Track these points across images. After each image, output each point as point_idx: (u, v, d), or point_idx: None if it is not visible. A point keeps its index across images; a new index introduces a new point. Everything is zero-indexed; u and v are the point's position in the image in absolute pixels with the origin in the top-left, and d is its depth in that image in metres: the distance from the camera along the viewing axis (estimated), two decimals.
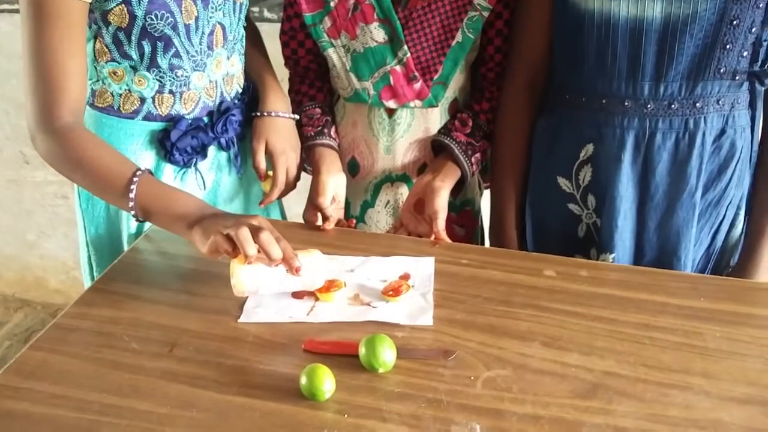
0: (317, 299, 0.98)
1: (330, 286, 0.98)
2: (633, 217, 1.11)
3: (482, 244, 1.41)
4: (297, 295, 1.00)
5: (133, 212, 0.98)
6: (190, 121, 1.13)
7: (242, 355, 0.89)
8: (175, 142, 1.11)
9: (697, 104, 1.04)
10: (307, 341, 0.90)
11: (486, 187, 1.40)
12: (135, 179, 0.97)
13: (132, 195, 0.97)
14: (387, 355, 0.84)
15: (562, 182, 1.15)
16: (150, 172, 1.01)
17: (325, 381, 0.81)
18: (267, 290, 0.94)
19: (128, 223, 1.17)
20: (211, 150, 1.19)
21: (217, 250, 0.91)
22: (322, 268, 0.96)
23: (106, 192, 1.01)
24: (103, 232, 1.19)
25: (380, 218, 1.31)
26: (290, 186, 1.22)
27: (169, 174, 1.15)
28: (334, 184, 1.20)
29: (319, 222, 1.19)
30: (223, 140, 1.17)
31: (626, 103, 1.06)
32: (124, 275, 1.06)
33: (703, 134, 1.05)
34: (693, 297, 0.98)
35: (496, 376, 0.85)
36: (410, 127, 1.24)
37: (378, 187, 1.29)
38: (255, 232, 0.89)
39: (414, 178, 1.27)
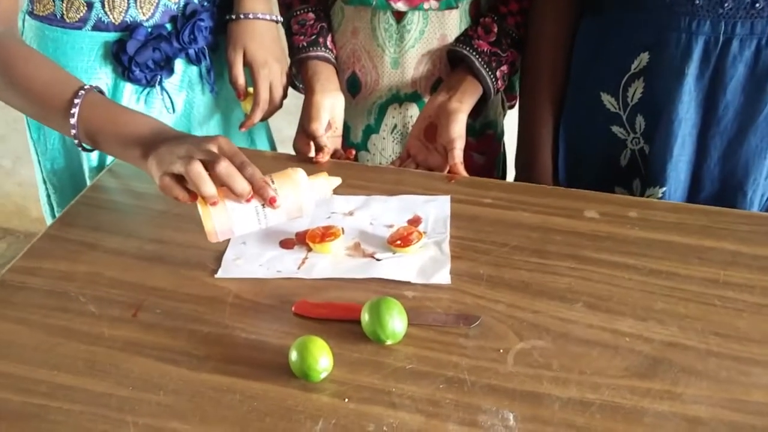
0: (310, 249, 0.81)
1: (325, 234, 0.81)
2: (693, 144, 0.92)
3: (504, 173, 1.23)
4: (286, 244, 0.83)
5: (77, 140, 0.80)
6: (149, 30, 0.93)
7: (220, 320, 0.73)
8: (134, 55, 0.92)
9: None
10: (298, 303, 0.74)
11: (511, 106, 1.21)
12: (77, 100, 0.78)
13: (74, 120, 0.78)
14: (396, 323, 0.68)
15: (606, 99, 0.96)
16: (99, 90, 0.82)
17: (320, 358, 0.65)
18: (245, 229, 0.76)
19: (89, 155, 0.99)
20: (179, 64, 0.99)
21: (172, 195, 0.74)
22: (308, 190, 0.77)
23: (46, 115, 0.82)
24: (61, 167, 1.02)
25: (386, 146, 1.12)
26: (275, 105, 1.02)
27: (129, 95, 0.97)
28: (330, 106, 1.00)
29: (313, 153, 1.01)
30: (191, 52, 0.97)
31: (697, 1, 0.84)
32: (83, 219, 0.89)
33: None
34: None
35: (531, 348, 0.69)
36: (423, 34, 1.02)
37: (383, 109, 1.09)
38: (211, 163, 0.71)
39: (427, 97, 1.07)
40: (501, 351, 0.69)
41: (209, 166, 0.70)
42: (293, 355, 0.66)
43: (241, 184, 0.71)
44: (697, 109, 0.90)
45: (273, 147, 1.21)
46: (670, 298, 0.74)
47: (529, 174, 1.04)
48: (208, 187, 0.70)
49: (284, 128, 1.24)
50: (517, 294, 0.75)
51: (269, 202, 0.73)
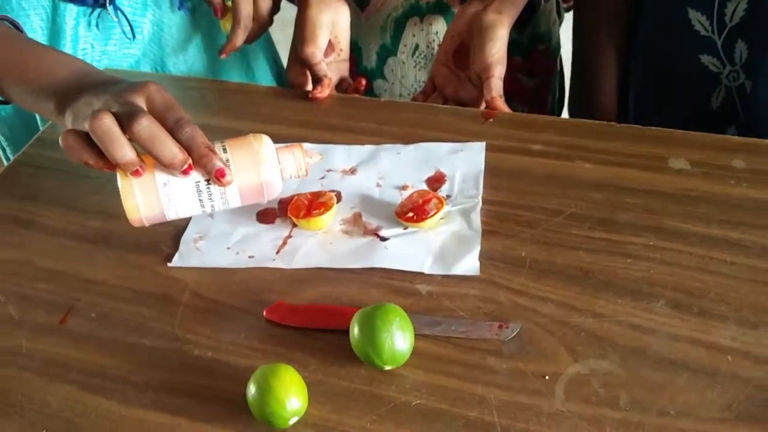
0: (294, 225, 0.62)
1: (313, 204, 0.61)
2: None
3: (562, 99, 0.99)
4: (265, 216, 0.63)
5: None
6: None
7: (169, 329, 0.56)
8: None
9: None
10: (271, 307, 0.56)
11: (568, 9, 0.96)
12: None
13: None
14: (397, 342, 0.49)
15: (695, 18, 0.72)
16: (11, 23, 0.62)
17: (288, 399, 0.47)
18: (181, 212, 0.54)
19: None
20: None
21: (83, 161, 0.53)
22: (273, 166, 0.55)
23: None
24: (9, 113, 0.86)
25: (407, 72, 0.89)
26: (263, 22, 0.80)
27: (74, 19, 0.77)
28: (331, 23, 0.78)
29: (310, 86, 0.79)
30: None
31: None
32: (21, 185, 0.72)
33: None
34: None
35: (590, 373, 0.48)
36: None
37: (400, 24, 0.86)
38: (128, 120, 0.50)
39: (456, 7, 0.84)
40: (547, 378, 0.49)
41: (126, 124, 0.50)
42: (251, 391, 0.47)
43: (170, 150, 0.50)
44: None
45: (280, 76, 0.99)
46: None
47: (586, 116, 0.81)
48: (122, 150, 0.49)
49: None
50: (573, 287, 0.54)
51: (215, 176, 0.52)
